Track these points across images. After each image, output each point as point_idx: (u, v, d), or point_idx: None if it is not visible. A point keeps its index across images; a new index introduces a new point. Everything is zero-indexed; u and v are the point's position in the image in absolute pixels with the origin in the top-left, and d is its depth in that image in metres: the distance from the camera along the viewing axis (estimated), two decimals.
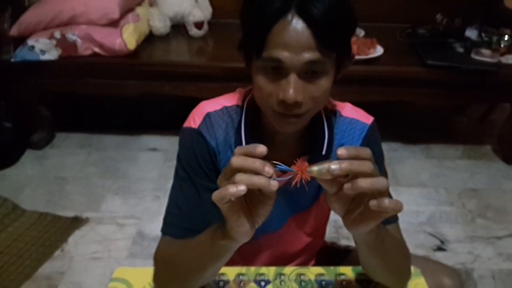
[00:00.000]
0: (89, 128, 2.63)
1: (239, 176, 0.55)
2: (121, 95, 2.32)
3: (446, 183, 2.28)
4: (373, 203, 0.57)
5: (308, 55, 0.69)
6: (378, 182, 0.56)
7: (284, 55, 0.69)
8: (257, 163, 0.55)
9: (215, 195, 0.57)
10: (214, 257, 0.69)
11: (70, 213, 2.00)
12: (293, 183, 0.57)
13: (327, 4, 0.67)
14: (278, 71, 0.71)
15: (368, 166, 0.56)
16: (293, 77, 0.70)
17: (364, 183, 0.55)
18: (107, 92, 2.33)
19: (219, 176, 0.60)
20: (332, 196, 0.61)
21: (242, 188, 0.54)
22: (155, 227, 0.85)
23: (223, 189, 0.56)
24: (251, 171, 0.55)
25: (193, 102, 0.90)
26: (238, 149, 0.58)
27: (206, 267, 0.73)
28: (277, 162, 0.57)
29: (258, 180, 0.55)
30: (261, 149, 0.56)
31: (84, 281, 1.69)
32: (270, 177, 0.55)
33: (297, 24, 0.68)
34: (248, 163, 0.56)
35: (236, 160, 0.56)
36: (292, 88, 0.70)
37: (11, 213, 1.98)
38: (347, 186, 0.57)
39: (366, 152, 0.58)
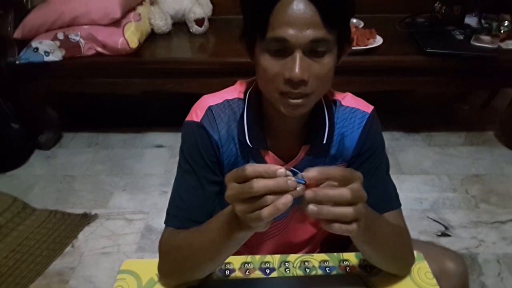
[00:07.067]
0: (95, 127, 2.66)
1: (266, 211, 0.56)
2: (125, 93, 2.33)
3: (448, 170, 2.28)
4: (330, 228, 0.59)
5: (312, 32, 0.69)
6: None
7: (288, 33, 0.69)
8: (281, 183, 0.56)
9: (252, 218, 0.58)
10: (230, 246, 0.70)
11: (79, 210, 2.03)
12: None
13: None
14: (283, 50, 0.71)
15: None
16: (298, 55, 0.70)
17: (336, 227, 0.59)
18: (111, 91, 2.35)
19: (228, 174, 0.60)
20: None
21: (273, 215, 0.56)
22: (163, 221, 0.87)
23: (257, 215, 0.57)
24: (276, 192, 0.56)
25: (196, 98, 0.90)
26: (252, 168, 0.57)
27: (220, 257, 0.74)
28: (294, 170, 0.58)
29: (283, 206, 0.56)
30: (281, 172, 0.57)
31: (95, 275, 1.72)
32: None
33: (300, 1, 0.68)
34: (273, 186, 0.56)
35: (258, 185, 0.56)
36: (298, 66, 0.70)
37: (22, 212, 2.00)
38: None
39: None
